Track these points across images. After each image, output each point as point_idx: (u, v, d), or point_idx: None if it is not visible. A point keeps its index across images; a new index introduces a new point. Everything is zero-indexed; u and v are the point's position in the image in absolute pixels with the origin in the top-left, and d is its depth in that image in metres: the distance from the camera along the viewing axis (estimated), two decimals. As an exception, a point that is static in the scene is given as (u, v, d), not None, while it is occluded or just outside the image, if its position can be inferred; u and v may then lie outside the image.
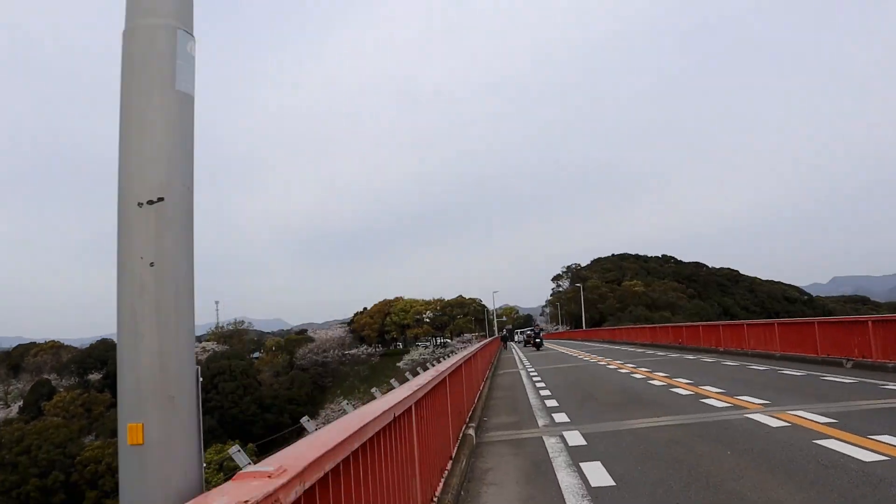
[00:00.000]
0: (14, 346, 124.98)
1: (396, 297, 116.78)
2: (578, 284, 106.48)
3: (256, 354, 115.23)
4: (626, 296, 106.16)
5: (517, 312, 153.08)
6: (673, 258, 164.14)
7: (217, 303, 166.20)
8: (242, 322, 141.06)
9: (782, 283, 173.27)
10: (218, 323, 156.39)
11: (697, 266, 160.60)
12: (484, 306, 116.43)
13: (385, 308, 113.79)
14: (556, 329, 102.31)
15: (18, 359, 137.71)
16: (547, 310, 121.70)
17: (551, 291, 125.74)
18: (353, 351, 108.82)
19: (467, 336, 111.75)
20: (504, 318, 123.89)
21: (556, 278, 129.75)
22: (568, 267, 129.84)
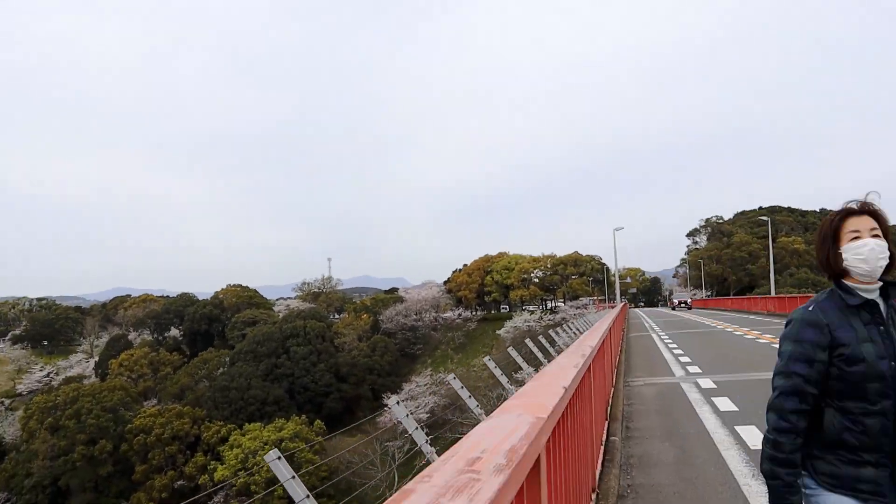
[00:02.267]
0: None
1: (499, 253, 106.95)
2: (723, 239, 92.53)
3: (337, 317, 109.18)
4: (783, 255, 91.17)
5: (643, 274, 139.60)
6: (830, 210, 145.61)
7: (330, 259, 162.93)
8: (331, 279, 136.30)
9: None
10: (328, 278, 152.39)
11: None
12: (604, 265, 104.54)
13: (485, 265, 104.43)
14: (694, 296, 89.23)
15: (113, 312, 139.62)
16: (682, 270, 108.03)
17: (686, 250, 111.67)
18: (448, 314, 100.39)
19: (584, 300, 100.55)
20: (629, 280, 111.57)
21: (692, 234, 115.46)
22: (707, 220, 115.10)
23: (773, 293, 57.11)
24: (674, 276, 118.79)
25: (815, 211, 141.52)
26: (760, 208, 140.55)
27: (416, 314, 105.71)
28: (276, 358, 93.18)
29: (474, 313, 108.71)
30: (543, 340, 17.88)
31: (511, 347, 14.29)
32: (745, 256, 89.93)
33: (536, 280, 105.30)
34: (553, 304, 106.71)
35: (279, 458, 4.39)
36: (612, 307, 69.90)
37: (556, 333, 22.50)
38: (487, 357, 11.57)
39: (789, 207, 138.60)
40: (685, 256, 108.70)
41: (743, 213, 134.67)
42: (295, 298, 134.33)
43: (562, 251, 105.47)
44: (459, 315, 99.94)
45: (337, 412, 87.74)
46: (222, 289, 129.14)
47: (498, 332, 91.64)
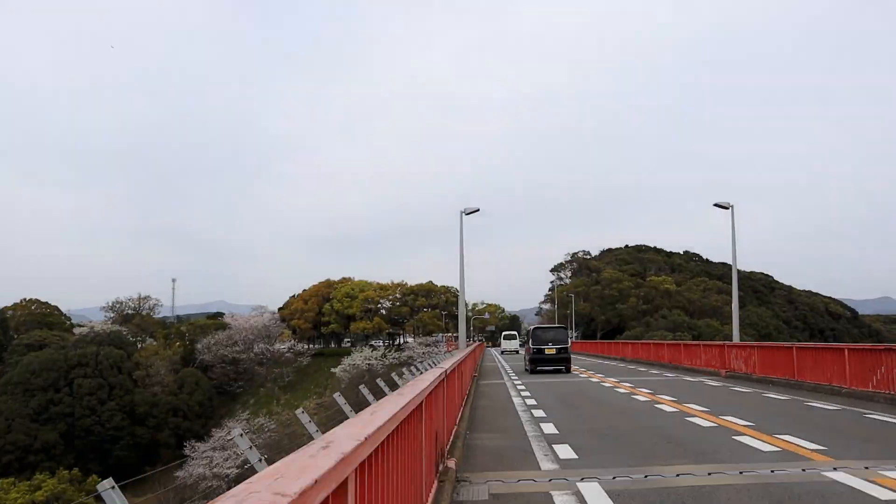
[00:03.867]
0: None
1: (343, 279, 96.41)
2: (592, 275, 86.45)
3: (149, 342, 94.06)
4: (653, 295, 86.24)
5: (503, 311, 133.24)
6: (698, 255, 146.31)
7: (174, 280, 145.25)
8: (148, 299, 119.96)
9: (821, 296, 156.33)
10: (173, 306, 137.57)
11: (727, 267, 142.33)
12: (459, 296, 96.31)
13: (325, 291, 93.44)
14: None
15: None
16: (545, 307, 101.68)
17: (549, 286, 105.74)
18: (277, 347, 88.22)
19: (436, 336, 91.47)
20: (487, 316, 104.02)
21: (557, 268, 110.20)
22: (573, 255, 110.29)
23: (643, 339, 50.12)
24: (537, 315, 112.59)
25: (679, 253, 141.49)
26: (627, 247, 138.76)
27: (242, 344, 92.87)
28: (55, 392, 77.76)
29: (309, 347, 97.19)
30: (383, 384, 15.26)
31: (339, 394, 11.48)
32: (615, 295, 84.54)
33: (384, 311, 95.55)
34: (402, 340, 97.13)
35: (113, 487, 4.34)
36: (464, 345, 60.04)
37: (400, 376, 19.91)
38: (300, 410, 9.22)
39: (655, 247, 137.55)
40: (549, 293, 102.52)
41: (609, 250, 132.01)
42: (102, 321, 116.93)
43: (416, 280, 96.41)
44: (290, 348, 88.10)
45: (129, 462, 73.40)
46: (14, 303, 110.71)
47: (333, 369, 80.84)
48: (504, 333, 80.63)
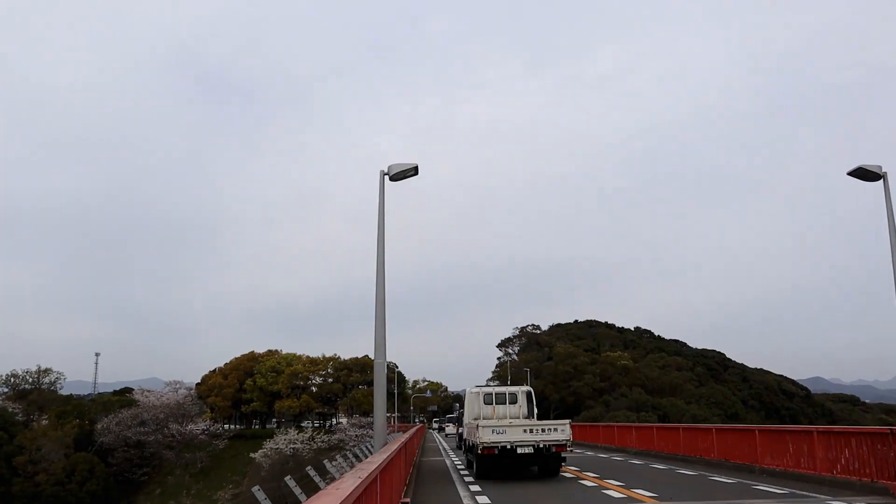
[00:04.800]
0: None
1: (268, 351, 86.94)
2: (544, 349, 79.44)
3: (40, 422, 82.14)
4: (610, 371, 79.31)
5: (445, 390, 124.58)
6: (649, 331, 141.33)
7: (98, 355, 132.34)
8: (48, 372, 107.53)
9: (773, 374, 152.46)
10: (96, 382, 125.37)
11: (679, 344, 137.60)
12: (400, 374, 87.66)
13: (247, 365, 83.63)
14: None
15: None
16: (492, 384, 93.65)
17: (497, 362, 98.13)
18: (191, 427, 77.74)
19: (371, 418, 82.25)
20: (429, 394, 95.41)
21: (505, 343, 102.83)
22: (521, 329, 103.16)
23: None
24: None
25: (631, 329, 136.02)
26: (577, 322, 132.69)
27: (152, 424, 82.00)
28: None
29: (228, 427, 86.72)
30: (313, 473, 13.60)
31: (258, 488, 10.04)
32: (570, 371, 77.27)
33: (315, 388, 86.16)
34: (335, 421, 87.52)
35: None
36: (401, 429, 52.08)
37: (330, 462, 17.42)
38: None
39: (606, 322, 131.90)
40: (497, 369, 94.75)
41: (559, 325, 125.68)
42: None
43: (351, 354, 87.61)
44: (205, 430, 77.70)
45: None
46: None
47: (253, 454, 70.81)
48: (447, 417, 73.60)
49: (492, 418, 20.77)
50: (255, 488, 9.78)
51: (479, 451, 18.09)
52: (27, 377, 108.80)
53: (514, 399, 21.84)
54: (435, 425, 66.98)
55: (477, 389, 23.28)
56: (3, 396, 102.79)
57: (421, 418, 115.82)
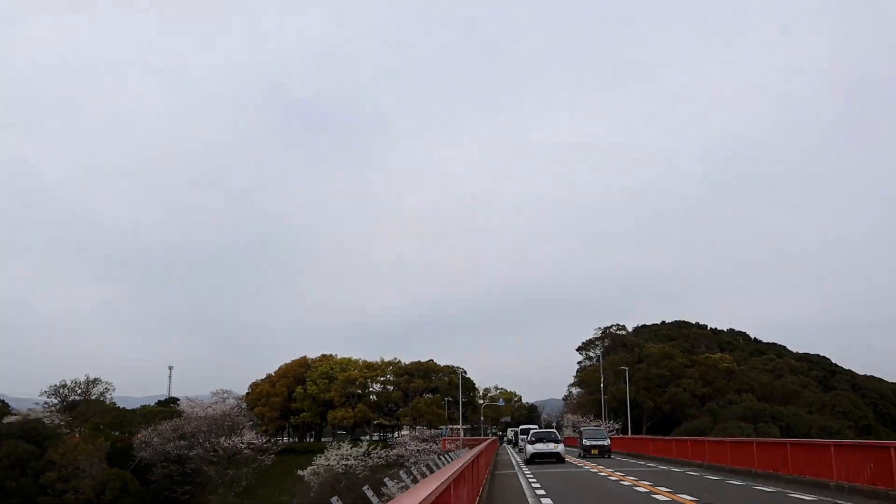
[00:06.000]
0: None
1: (322, 356, 78.60)
2: (635, 351, 68.87)
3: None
4: (712, 375, 68.10)
5: (519, 400, 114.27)
6: (745, 333, 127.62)
7: (171, 368, 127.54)
8: (97, 382, 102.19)
9: (887, 381, 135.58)
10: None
11: (779, 348, 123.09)
12: (468, 380, 78.21)
13: (298, 371, 75.51)
14: (611, 433, 64.22)
15: None
16: (574, 391, 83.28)
17: (577, 367, 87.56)
18: (235, 441, 70.06)
19: (439, 430, 73.08)
20: (501, 403, 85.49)
21: (586, 346, 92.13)
22: (604, 329, 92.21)
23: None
24: (564, 399, 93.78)
25: (727, 330, 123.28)
26: (664, 322, 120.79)
27: (198, 437, 74.80)
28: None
29: (277, 441, 78.73)
30: (371, 494, 11.32)
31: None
32: (665, 375, 66.33)
33: (373, 396, 77.52)
34: (398, 433, 78.59)
35: None
36: (468, 444, 42.44)
37: (385, 486, 14.55)
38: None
39: (697, 323, 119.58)
40: (577, 375, 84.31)
41: (644, 326, 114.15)
42: (42, 407, 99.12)
43: (412, 358, 78.53)
44: (249, 444, 69.74)
45: None
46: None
47: (301, 471, 62.57)
48: (522, 428, 61.60)
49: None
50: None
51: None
52: (76, 388, 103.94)
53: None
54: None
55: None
56: (53, 408, 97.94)
57: (494, 430, 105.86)
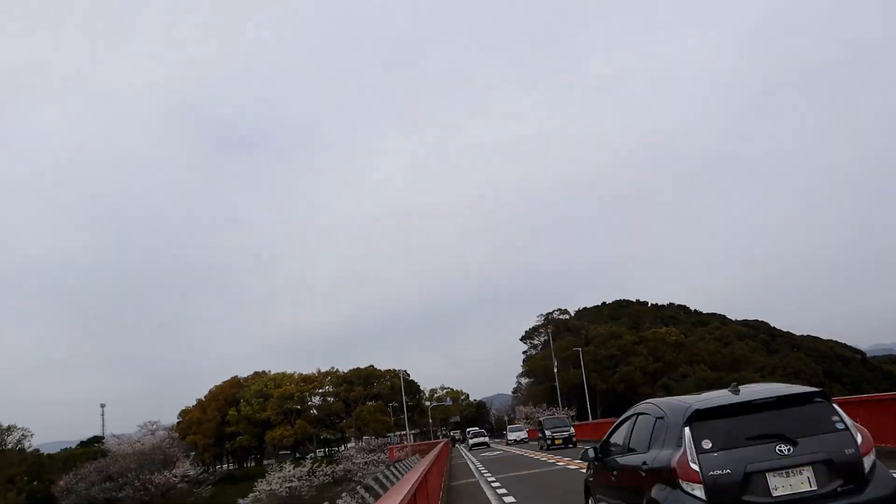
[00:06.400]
0: None
1: (254, 374, 73.85)
2: (580, 333, 66.88)
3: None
4: (663, 349, 66.33)
5: (466, 398, 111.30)
6: (685, 307, 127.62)
7: (103, 406, 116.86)
8: (11, 428, 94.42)
9: (823, 340, 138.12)
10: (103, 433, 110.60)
11: (719, 318, 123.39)
12: (412, 382, 74.63)
13: (230, 393, 70.64)
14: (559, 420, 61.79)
15: None
16: (524, 381, 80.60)
17: (524, 356, 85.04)
18: (165, 475, 64.74)
19: (388, 438, 69.30)
20: (448, 402, 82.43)
21: (529, 335, 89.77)
22: (547, 315, 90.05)
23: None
24: (513, 392, 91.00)
25: (667, 305, 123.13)
26: (605, 304, 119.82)
27: (125, 476, 69.06)
28: None
29: (214, 469, 73.58)
30: None
31: None
32: (615, 354, 64.16)
33: (314, 410, 73.14)
34: (342, 447, 74.38)
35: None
36: (418, 451, 39.32)
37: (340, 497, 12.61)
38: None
39: (638, 301, 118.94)
40: (524, 366, 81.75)
41: (586, 308, 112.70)
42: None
43: (351, 365, 74.44)
44: (183, 477, 64.60)
45: None
46: None
47: (242, 501, 57.99)
48: (469, 430, 62.76)
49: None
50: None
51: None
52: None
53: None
54: (471, 439, 53.17)
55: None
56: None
57: (444, 431, 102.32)
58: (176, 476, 66.79)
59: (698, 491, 5.30)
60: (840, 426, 5.55)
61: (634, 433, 6.75)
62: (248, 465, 76.54)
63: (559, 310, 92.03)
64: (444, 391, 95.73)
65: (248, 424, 68.03)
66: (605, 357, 65.44)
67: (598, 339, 67.49)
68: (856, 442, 5.47)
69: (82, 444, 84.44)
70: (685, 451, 5.45)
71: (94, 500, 66.24)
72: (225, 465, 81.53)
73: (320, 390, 72.01)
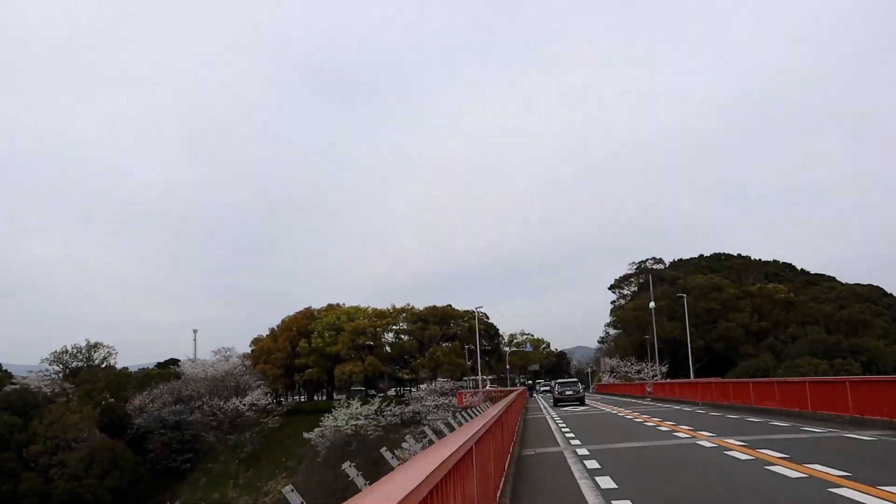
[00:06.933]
0: None
1: (328, 306, 71.59)
2: (677, 282, 61.40)
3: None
4: (769, 307, 60.06)
5: (547, 346, 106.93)
6: (790, 264, 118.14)
7: (195, 331, 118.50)
8: (97, 346, 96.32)
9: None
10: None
11: (828, 279, 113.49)
12: (490, 325, 70.83)
13: (302, 324, 68.61)
14: (654, 378, 57.09)
15: None
16: (610, 331, 75.73)
17: (611, 306, 79.91)
18: (235, 403, 63.74)
19: (463, 381, 66.06)
20: (528, 348, 78.40)
21: (619, 284, 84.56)
22: (639, 264, 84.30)
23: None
24: (599, 342, 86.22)
25: (775, 261, 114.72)
26: (702, 256, 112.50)
27: (198, 399, 68.70)
28: None
29: (283, 400, 72.34)
30: (390, 457, 8.86)
31: (291, 488, 6.59)
32: (717, 309, 58.32)
33: (388, 347, 70.50)
34: (415, 387, 71.70)
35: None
36: (492, 397, 35.47)
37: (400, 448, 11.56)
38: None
39: (739, 255, 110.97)
40: (612, 317, 76.66)
41: (682, 260, 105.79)
42: (38, 376, 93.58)
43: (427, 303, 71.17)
44: (251, 406, 63.29)
45: None
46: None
47: (307, 434, 55.97)
48: (557, 381, 53.74)
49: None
50: (288, 489, 6.36)
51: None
52: (78, 354, 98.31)
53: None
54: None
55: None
56: (55, 375, 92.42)
57: (522, 380, 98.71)
58: (244, 405, 65.81)
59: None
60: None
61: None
62: (319, 398, 75.01)
63: (653, 258, 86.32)
64: (525, 337, 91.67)
65: (318, 357, 65.97)
66: (703, 311, 59.70)
67: (696, 290, 61.63)
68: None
69: (159, 365, 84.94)
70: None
71: (164, 421, 66.12)
72: (296, 397, 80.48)
73: (394, 327, 69.25)
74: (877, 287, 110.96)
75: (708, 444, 14.13)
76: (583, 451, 14.08)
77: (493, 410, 12.33)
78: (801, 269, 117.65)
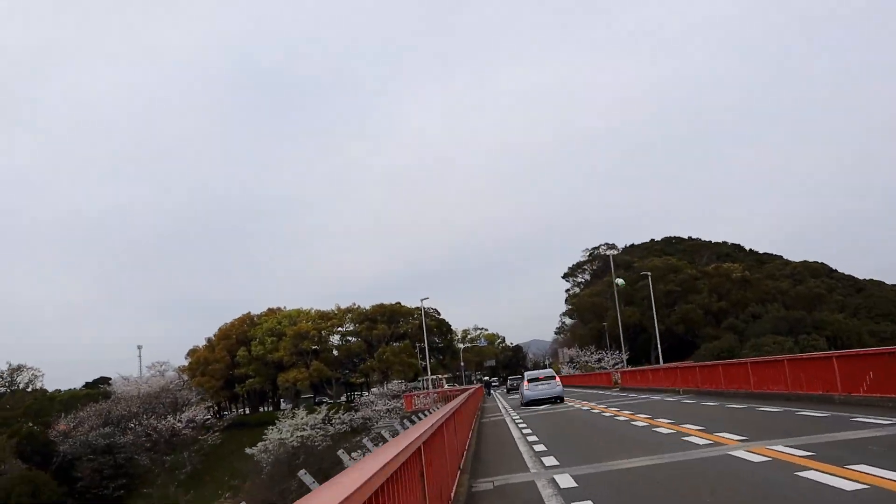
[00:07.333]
0: None
1: (268, 310, 67.40)
2: (633, 267, 58.97)
3: None
4: (727, 286, 58.36)
5: (503, 341, 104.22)
6: (739, 245, 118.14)
7: (140, 347, 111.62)
8: (20, 369, 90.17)
9: (887, 284, 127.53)
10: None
11: (776, 258, 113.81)
12: (442, 321, 67.65)
13: (241, 331, 64.35)
14: (619, 366, 54.70)
15: None
16: (567, 321, 73.30)
17: (567, 294, 77.55)
18: (170, 421, 59.20)
19: (417, 382, 62.85)
20: (483, 343, 75.57)
21: (572, 272, 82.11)
22: (592, 251, 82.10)
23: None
24: (556, 332, 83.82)
25: (725, 242, 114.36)
26: (653, 241, 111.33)
27: (131, 419, 63.90)
28: None
29: (224, 414, 67.95)
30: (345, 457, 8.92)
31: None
32: (675, 291, 56.16)
33: (335, 351, 66.66)
34: (364, 392, 68.04)
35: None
36: (445, 396, 33.32)
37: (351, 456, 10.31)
38: None
39: (690, 237, 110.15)
40: (568, 307, 74.28)
41: (634, 245, 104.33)
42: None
43: (373, 301, 67.55)
44: (189, 422, 58.93)
45: None
46: None
47: (249, 450, 51.99)
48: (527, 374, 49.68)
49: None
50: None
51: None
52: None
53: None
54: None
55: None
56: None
57: (478, 377, 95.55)
58: (181, 422, 61.22)
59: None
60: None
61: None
62: (266, 409, 70.78)
63: (606, 244, 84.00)
64: (479, 332, 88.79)
65: (260, 365, 61.87)
66: (662, 293, 57.51)
67: (653, 272, 59.39)
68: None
69: (87, 385, 79.39)
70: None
71: (93, 445, 61.17)
72: (239, 410, 76.03)
73: (340, 329, 65.55)
74: (823, 264, 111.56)
75: (756, 457, 9.17)
76: (565, 480, 9.22)
77: (418, 431, 8.96)
78: (751, 250, 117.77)
